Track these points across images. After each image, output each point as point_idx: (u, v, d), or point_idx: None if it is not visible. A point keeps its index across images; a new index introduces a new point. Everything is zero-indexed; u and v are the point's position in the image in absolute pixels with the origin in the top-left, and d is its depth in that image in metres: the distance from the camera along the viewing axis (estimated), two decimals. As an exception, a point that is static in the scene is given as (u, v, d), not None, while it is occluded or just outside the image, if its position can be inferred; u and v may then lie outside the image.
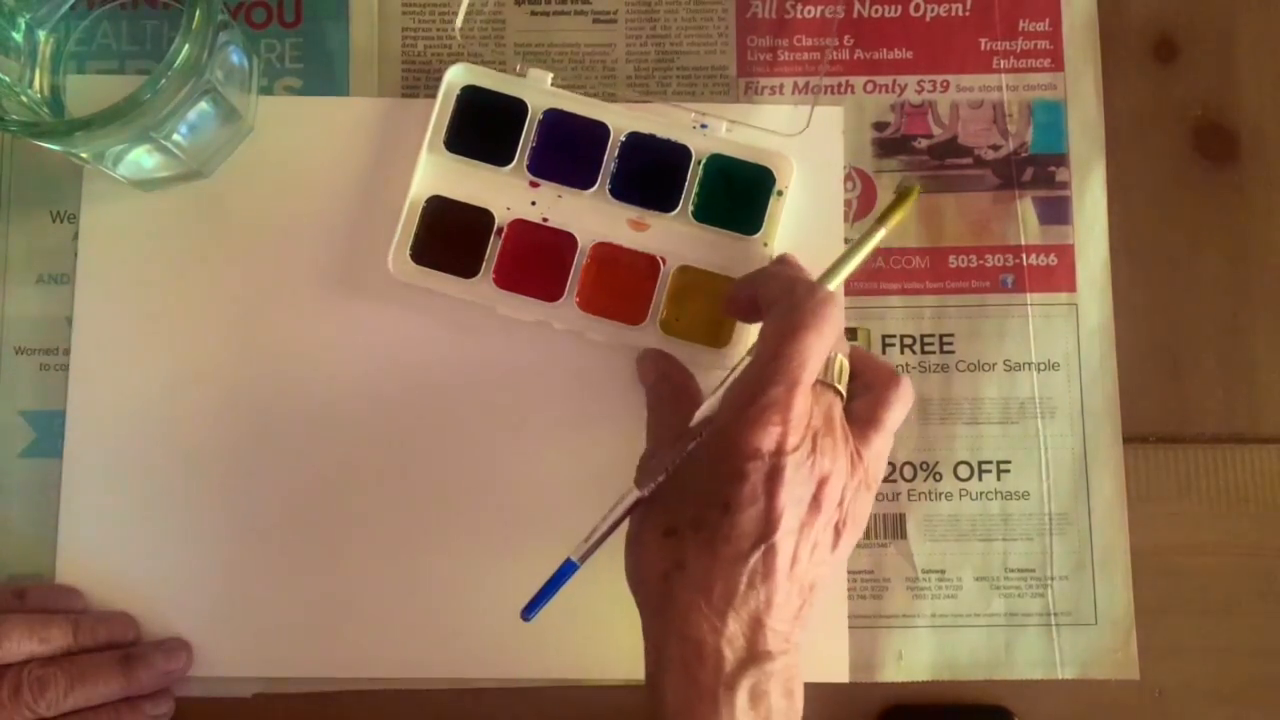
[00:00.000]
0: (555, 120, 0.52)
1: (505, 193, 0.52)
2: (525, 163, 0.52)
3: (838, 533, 0.44)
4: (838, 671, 0.51)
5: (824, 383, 0.44)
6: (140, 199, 0.52)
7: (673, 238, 0.52)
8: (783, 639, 0.42)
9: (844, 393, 0.44)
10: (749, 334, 0.51)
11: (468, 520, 0.51)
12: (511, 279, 0.51)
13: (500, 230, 0.51)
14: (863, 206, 0.53)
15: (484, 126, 0.52)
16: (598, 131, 0.52)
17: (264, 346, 0.52)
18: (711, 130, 0.52)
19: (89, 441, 0.51)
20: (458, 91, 0.52)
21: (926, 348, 0.53)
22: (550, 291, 0.51)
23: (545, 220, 0.52)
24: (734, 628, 0.42)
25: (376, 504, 0.51)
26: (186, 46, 0.45)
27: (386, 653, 0.51)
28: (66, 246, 0.53)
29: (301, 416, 0.52)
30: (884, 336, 0.53)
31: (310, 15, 0.54)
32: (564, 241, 0.51)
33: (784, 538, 0.42)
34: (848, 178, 0.53)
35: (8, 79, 0.48)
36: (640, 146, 0.52)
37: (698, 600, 0.42)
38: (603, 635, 0.50)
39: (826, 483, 0.42)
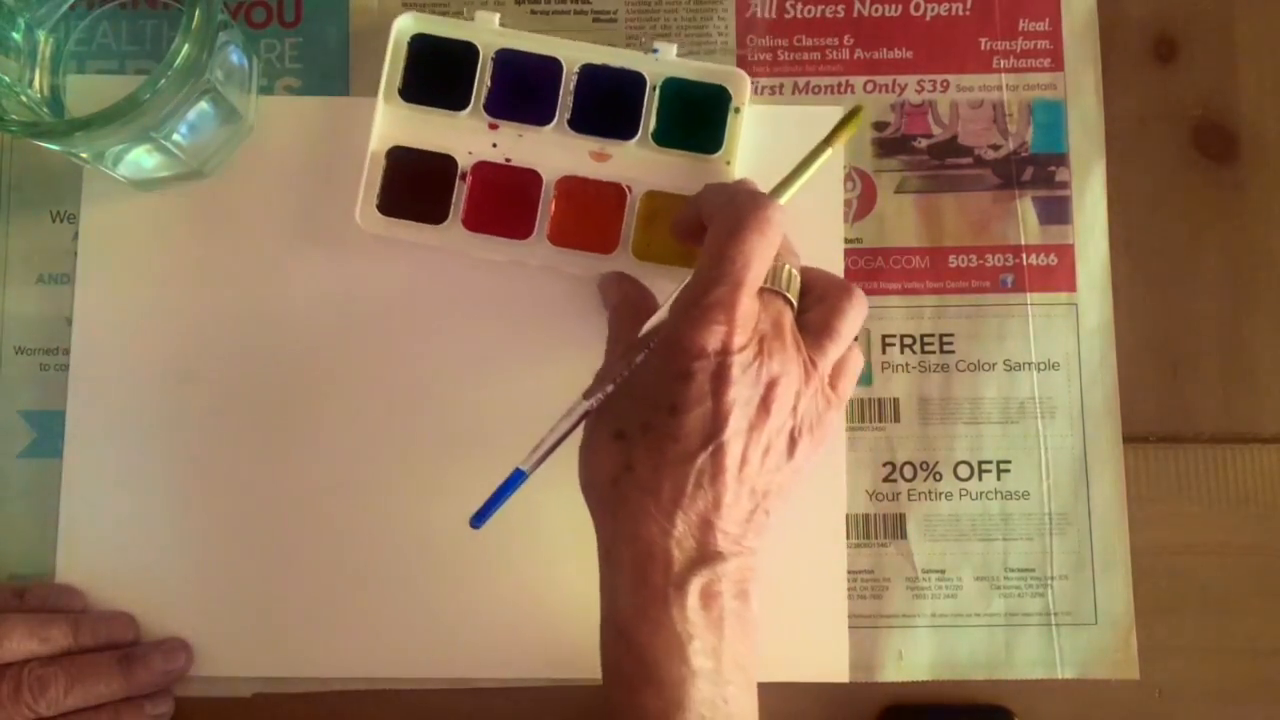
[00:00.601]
0: (508, 60, 0.52)
1: (466, 136, 0.52)
2: (482, 104, 0.52)
3: (793, 440, 0.43)
4: (838, 671, 0.51)
5: (772, 290, 0.44)
6: (140, 199, 0.52)
7: (636, 164, 0.52)
8: (734, 541, 0.42)
9: (794, 302, 0.44)
10: None
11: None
12: (480, 221, 0.51)
13: (464, 175, 0.52)
14: (863, 206, 0.53)
15: (437, 73, 0.52)
16: (551, 67, 0.52)
17: (264, 345, 0.52)
18: (663, 55, 0.52)
19: (89, 441, 0.51)
20: (408, 40, 0.52)
21: (926, 348, 0.53)
22: (520, 230, 0.51)
23: (508, 160, 0.52)
24: (682, 528, 0.42)
25: (378, 503, 0.51)
26: (186, 46, 0.45)
27: (386, 652, 0.51)
28: (66, 246, 0.53)
29: (301, 415, 0.52)
30: (884, 336, 0.53)
31: (310, 15, 0.54)
32: (529, 179, 0.52)
33: (732, 438, 0.42)
34: (847, 178, 0.53)
35: (8, 79, 0.48)
36: (595, 78, 0.52)
37: (646, 501, 0.42)
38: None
39: (776, 385, 0.42)
